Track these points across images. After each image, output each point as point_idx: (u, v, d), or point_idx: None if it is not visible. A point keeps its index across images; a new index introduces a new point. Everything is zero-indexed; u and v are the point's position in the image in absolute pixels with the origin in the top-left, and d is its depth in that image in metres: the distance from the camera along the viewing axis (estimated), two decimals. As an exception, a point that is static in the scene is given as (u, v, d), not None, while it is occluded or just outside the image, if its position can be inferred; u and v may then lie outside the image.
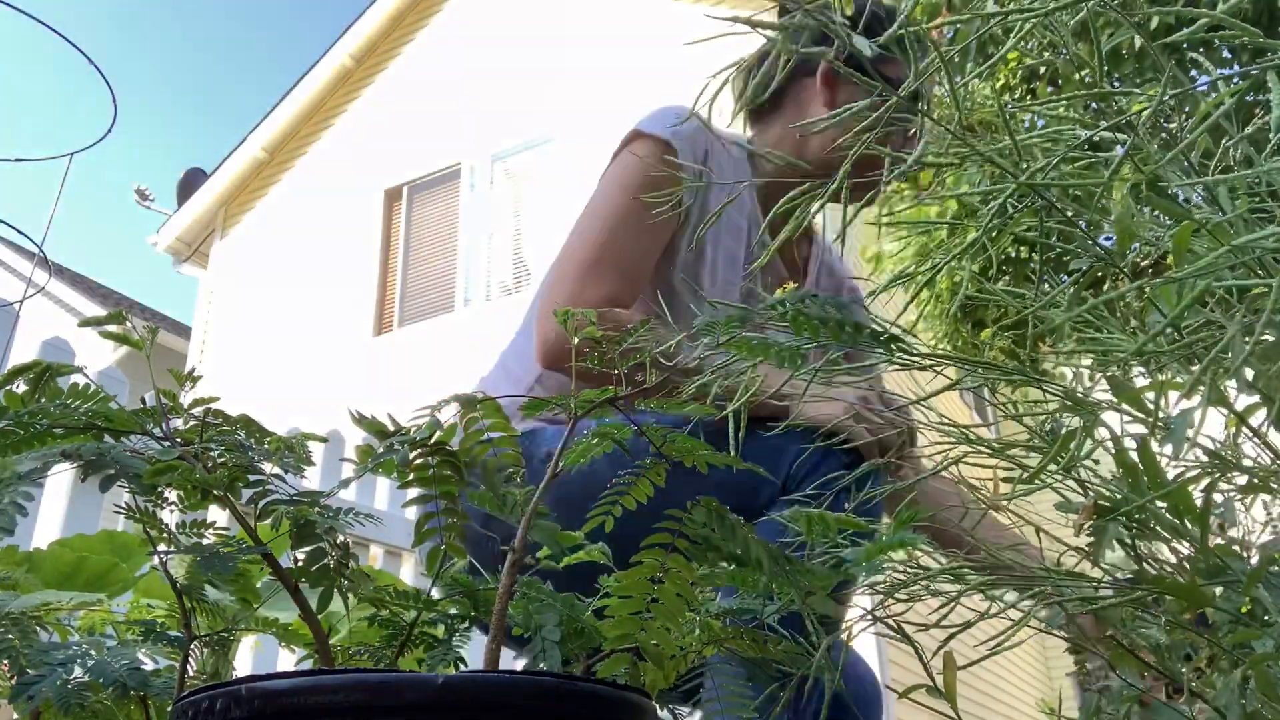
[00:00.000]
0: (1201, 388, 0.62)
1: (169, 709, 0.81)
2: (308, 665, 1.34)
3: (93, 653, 0.98)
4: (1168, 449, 0.71)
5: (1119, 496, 0.79)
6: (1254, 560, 0.82)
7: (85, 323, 1.01)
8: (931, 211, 3.97)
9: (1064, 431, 0.84)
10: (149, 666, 1.04)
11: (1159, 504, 0.76)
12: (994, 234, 0.74)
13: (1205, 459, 0.78)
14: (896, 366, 0.87)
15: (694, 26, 8.22)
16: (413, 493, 0.97)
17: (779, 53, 0.84)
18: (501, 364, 1.78)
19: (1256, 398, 0.77)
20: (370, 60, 10.39)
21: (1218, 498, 0.82)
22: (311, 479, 2.44)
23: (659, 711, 1.05)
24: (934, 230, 3.93)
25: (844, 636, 1.08)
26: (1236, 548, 0.84)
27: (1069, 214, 0.75)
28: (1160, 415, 0.75)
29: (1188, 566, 0.80)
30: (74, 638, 1.17)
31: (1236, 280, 0.65)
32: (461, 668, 1.05)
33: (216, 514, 2.05)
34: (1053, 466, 0.82)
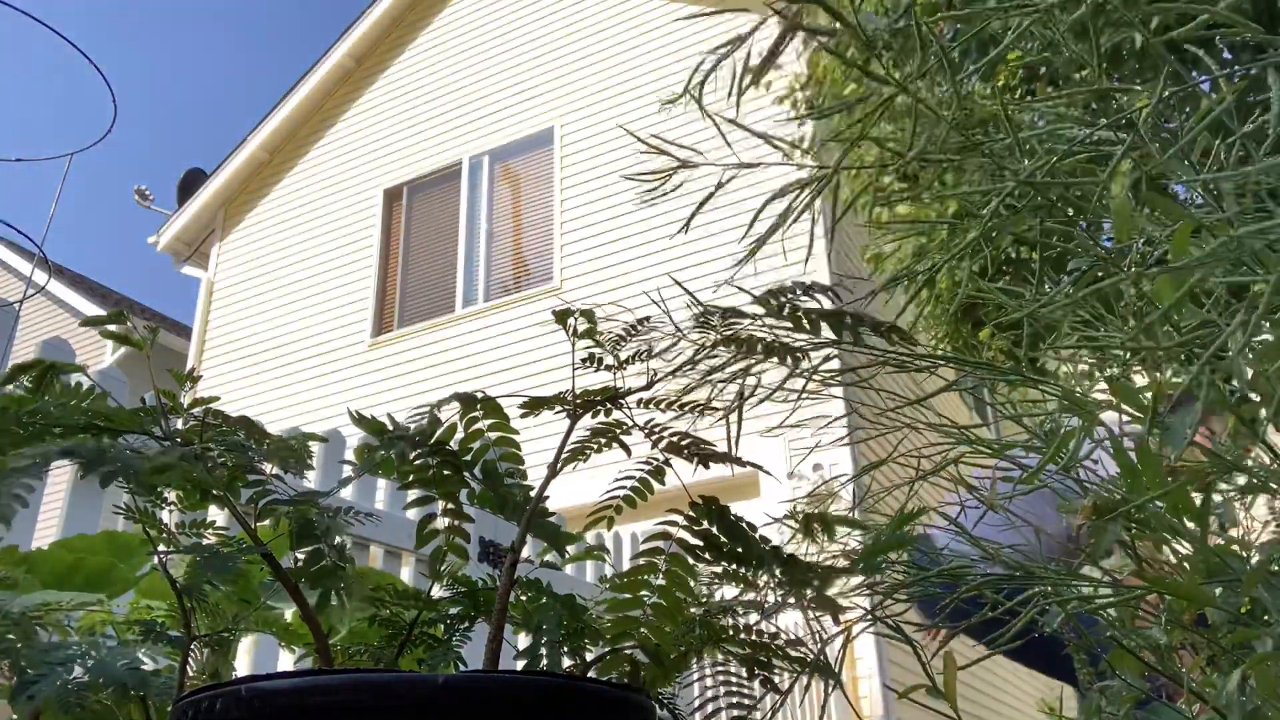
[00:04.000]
0: (1200, 387, 0.62)
1: (169, 709, 0.81)
2: (308, 665, 1.34)
3: (92, 653, 0.98)
4: (1167, 449, 0.71)
5: (1119, 496, 0.79)
6: (1254, 560, 0.82)
7: (86, 322, 1.01)
8: (931, 212, 3.97)
9: (1063, 431, 0.84)
10: (149, 666, 1.03)
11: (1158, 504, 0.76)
12: (993, 234, 0.74)
13: (1204, 459, 0.78)
14: (894, 367, 0.87)
15: (694, 26, 8.21)
16: (413, 493, 0.97)
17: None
18: None
19: (1256, 397, 0.77)
20: (370, 60, 10.38)
21: (1216, 498, 0.81)
22: (311, 479, 2.44)
23: (659, 711, 1.05)
24: (933, 230, 3.93)
25: (844, 637, 1.08)
26: (1236, 548, 0.84)
27: (1069, 213, 0.75)
28: (1159, 415, 0.75)
29: (1187, 566, 0.80)
30: (74, 638, 1.17)
31: (1235, 276, 0.65)
32: (461, 668, 1.05)
33: (216, 514, 2.05)
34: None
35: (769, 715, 1.11)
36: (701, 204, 0.99)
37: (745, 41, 0.90)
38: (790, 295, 0.93)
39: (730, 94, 0.83)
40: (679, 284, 1.05)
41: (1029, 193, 0.72)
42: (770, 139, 0.95)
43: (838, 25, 0.79)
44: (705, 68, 0.87)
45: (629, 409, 1.02)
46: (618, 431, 1.02)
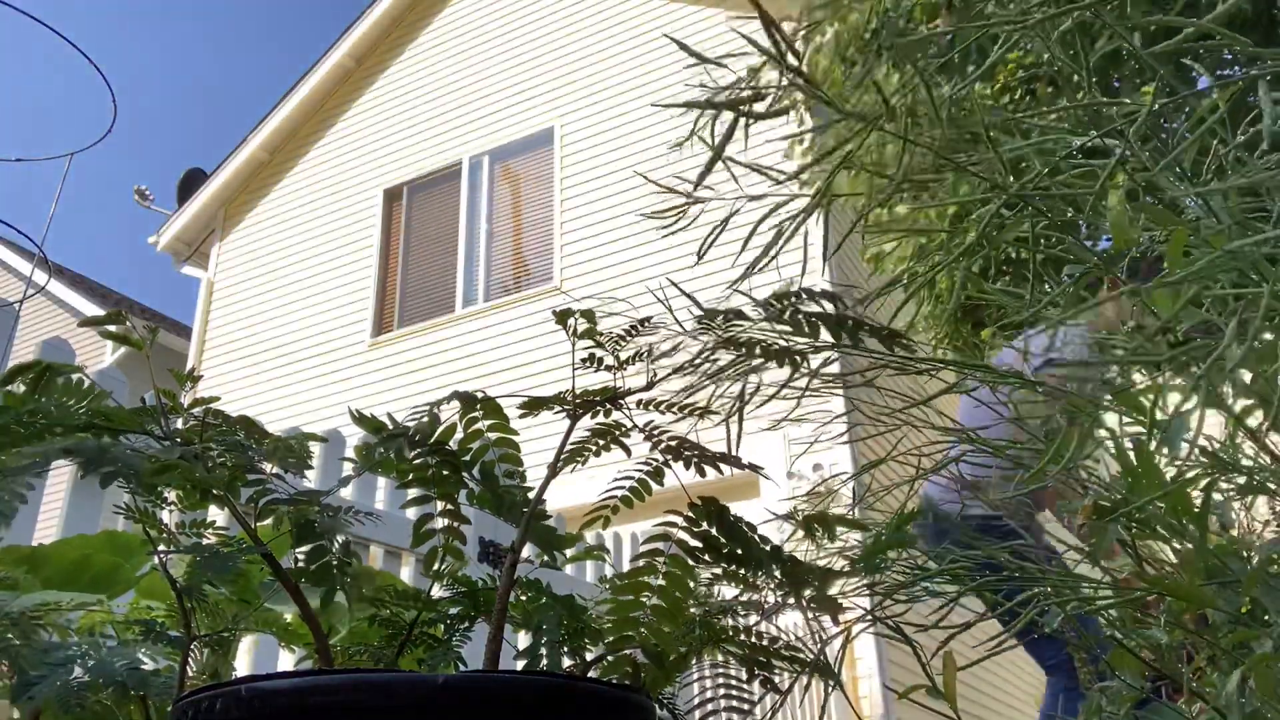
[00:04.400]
0: (1198, 390, 0.62)
1: (169, 709, 0.81)
2: (308, 665, 1.34)
3: (92, 653, 0.98)
4: (1165, 450, 0.71)
5: (1119, 497, 0.79)
6: (1254, 560, 0.82)
7: (85, 322, 1.01)
8: (930, 213, 3.97)
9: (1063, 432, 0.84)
10: (149, 666, 1.04)
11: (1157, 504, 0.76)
12: (992, 234, 0.74)
13: (1204, 460, 0.78)
14: (894, 370, 0.87)
15: (694, 26, 8.22)
16: (412, 492, 0.97)
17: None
18: None
19: (1254, 399, 0.77)
20: (370, 60, 10.38)
21: (1216, 497, 0.81)
22: (311, 479, 2.43)
23: (659, 711, 1.05)
24: (932, 230, 3.92)
25: (843, 637, 1.08)
26: (1236, 548, 0.84)
27: (1068, 214, 0.75)
28: (1158, 417, 0.75)
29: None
30: (74, 638, 1.17)
31: (1232, 290, 0.65)
32: (461, 668, 1.05)
33: (216, 514, 2.05)
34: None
35: (769, 715, 1.11)
36: (712, 238, 0.99)
37: (748, 80, 0.91)
38: (792, 300, 0.93)
39: (732, 137, 0.84)
40: (679, 289, 1.05)
41: (1022, 201, 0.72)
42: (766, 171, 0.95)
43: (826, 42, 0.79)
44: (708, 112, 0.88)
45: (629, 410, 1.02)
46: (617, 432, 1.03)
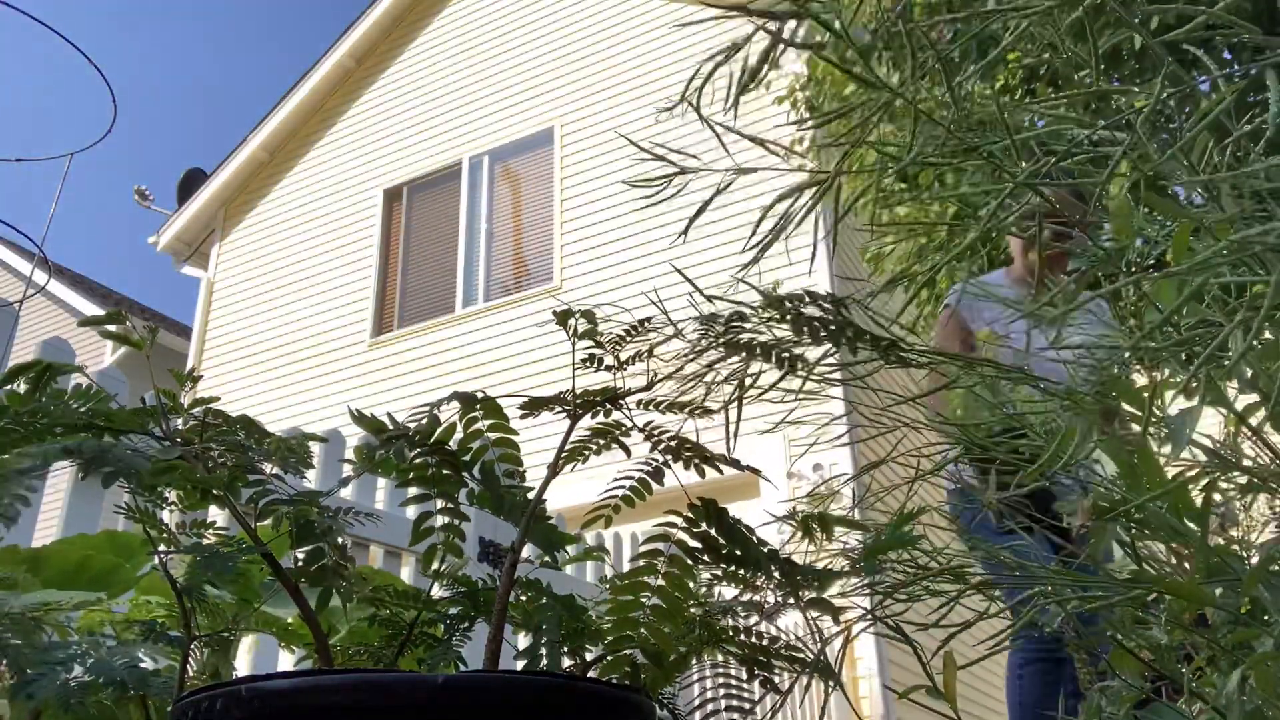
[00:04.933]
0: (1199, 387, 0.62)
1: (169, 709, 0.81)
2: (308, 665, 1.34)
3: (92, 652, 0.98)
4: (1167, 449, 0.71)
5: (1119, 496, 0.79)
6: (1254, 560, 0.82)
7: (84, 322, 1.01)
8: (931, 212, 3.97)
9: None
10: (149, 666, 1.03)
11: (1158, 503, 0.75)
12: (993, 234, 0.74)
13: (1204, 458, 0.78)
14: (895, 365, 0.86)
15: (694, 26, 8.21)
16: (412, 492, 0.97)
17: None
18: None
19: (1255, 397, 0.77)
20: (370, 60, 10.39)
21: (1217, 497, 0.81)
22: (310, 479, 2.43)
23: (659, 711, 1.05)
24: (933, 229, 3.93)
25: (844, 637, 1.08)
26: (1236, 548, 0.84)
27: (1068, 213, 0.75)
28: (1158, 414, 0.75)
29: (1188, 566, 0.80)
30: (74, 638, 1.17)
31: (1236, 277, 0.65)
32: (461, 668, 1.05)
33: (216, 514, 2.05)
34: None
35: (769, 715, 1.11)
36: (698, 212, 0.99)
37: (742, 49, 0.90)
38: (794, 302, 0.93)
39: (727, 103, 0.83)
40: (684, 276, 1.05)
41: (1027, 193, 0.72)
42: (765, 144, 0.95)
43: (828, 36, 0.79)
44: (703, 74, 0.87)
45: (629, 409, 1.02)
46: (617, 432, 1.03)
